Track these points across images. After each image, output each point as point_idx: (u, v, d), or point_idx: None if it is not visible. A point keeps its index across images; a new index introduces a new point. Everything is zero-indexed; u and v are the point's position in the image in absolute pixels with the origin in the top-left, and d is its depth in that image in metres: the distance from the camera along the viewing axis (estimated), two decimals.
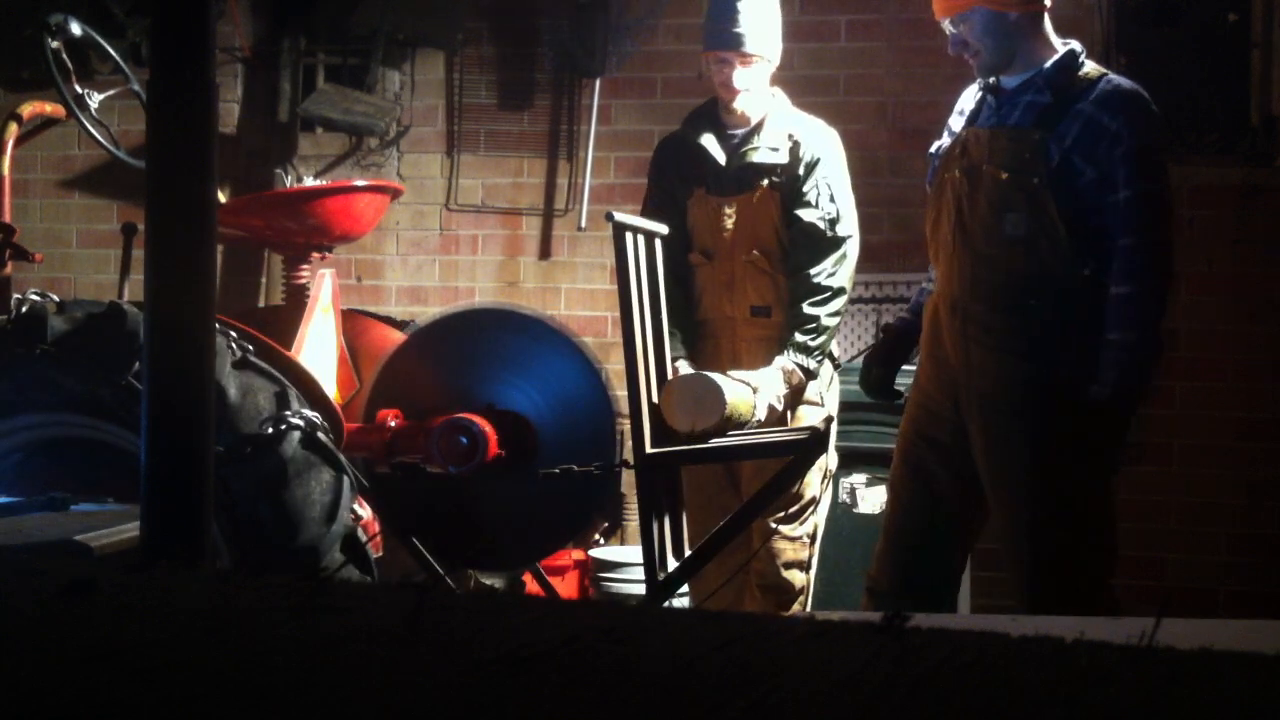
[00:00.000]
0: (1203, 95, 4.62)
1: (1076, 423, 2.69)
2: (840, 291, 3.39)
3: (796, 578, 3.47)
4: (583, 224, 5.14)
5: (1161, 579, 4.50)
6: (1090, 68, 2.81)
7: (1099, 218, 2.70)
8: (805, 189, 3.41)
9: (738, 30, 3.41)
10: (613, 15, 5.00)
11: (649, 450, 2.85)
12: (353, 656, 0.91)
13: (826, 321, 3.35)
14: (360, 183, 4.14)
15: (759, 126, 3.49)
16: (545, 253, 5.24)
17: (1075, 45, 2.83)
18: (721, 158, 3.47)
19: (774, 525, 3.39)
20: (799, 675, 0.87)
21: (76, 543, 2.19)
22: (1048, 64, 2.78)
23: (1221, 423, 4.52)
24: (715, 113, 3.56)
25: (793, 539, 3.46)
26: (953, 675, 0.86)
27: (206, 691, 0.83)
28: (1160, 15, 4.66)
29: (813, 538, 3.51)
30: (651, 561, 2.81)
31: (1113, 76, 2.80)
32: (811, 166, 3.42)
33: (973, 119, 2.89)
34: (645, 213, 3.53)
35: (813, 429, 2.96)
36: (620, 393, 2.95)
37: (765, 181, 3.44)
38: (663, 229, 3.18)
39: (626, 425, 2.95)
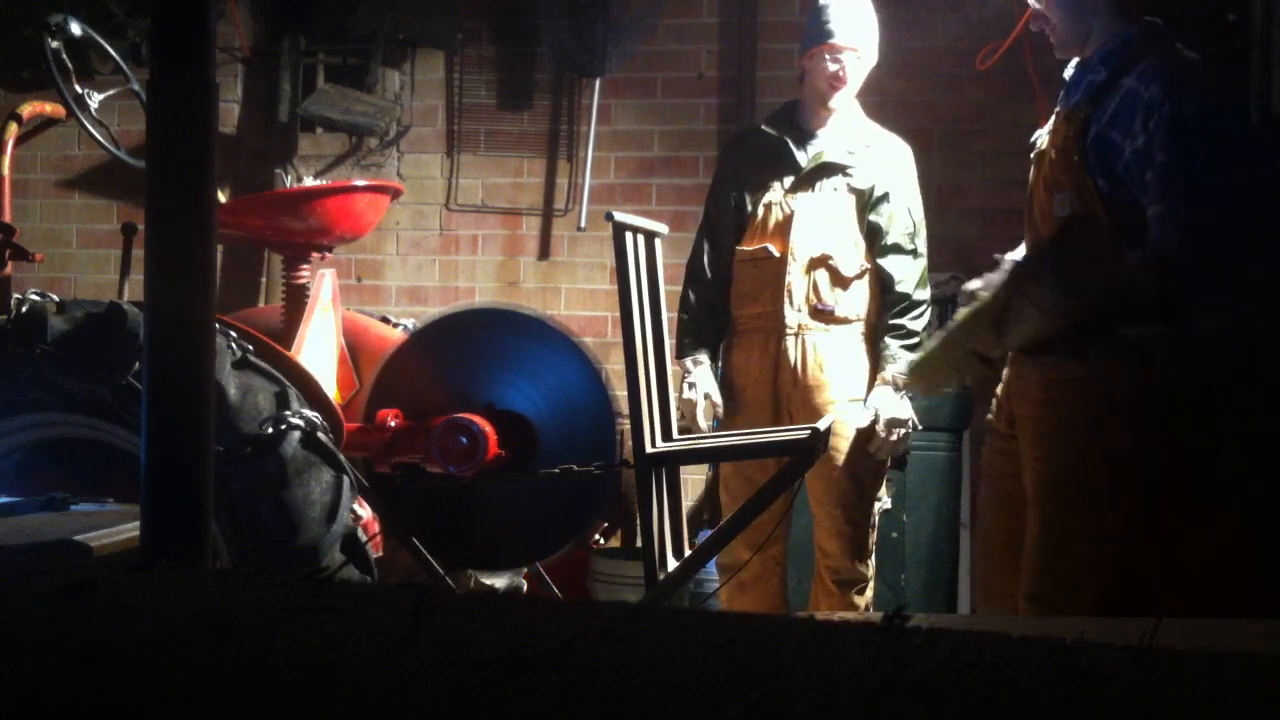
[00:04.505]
0: None
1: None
2: (926, 303, 3.53)
3: (869, 567, 3.55)
4: (583, 224, 5.14)
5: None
6: (1157, 45, 2.67)
7: (1144, 197, 2.54)
8: (887, 207, 3.50)
9: (855, 24, 3.50)
10: (613, 15, 5.00)
11: (649, 449, 2.85)
12: (353, 656, 0.91)
13: (915, 326, 3.48)
14: (360, 183, 4.13)
15: (835, 130, 3.56)
16: (545, 253, 5.24)
17: (1146, 24, 2.72)
18: (802, 158, 3.54)
19: (843, 516, 3.47)
20: (799, 675, 0.87)
21: (76, 543, 2.20)
22: (1110, 42, 2.69)
23: None
24: (794, 114, 3.62)
25: (862, 526, 3.51)
26: (953, 675, 0.86)
27: (206, 691, 0.83)
28: (1160, 15, 4.65)
29: (874, 526, 3.57)
30: (651, 561, 2.81)
31: (1175, 51, 2.67)
32: (891, 185, 3.51)
33: (1060, 100, 2.80)
34: (710, 207, 3.65)
35: (813, 429, 2.96)
36: (620, 393, 2.95)
37: (838, 183, 3.51)
38: (663, 229, 3.18)
39: (626, 425, 2.95)
